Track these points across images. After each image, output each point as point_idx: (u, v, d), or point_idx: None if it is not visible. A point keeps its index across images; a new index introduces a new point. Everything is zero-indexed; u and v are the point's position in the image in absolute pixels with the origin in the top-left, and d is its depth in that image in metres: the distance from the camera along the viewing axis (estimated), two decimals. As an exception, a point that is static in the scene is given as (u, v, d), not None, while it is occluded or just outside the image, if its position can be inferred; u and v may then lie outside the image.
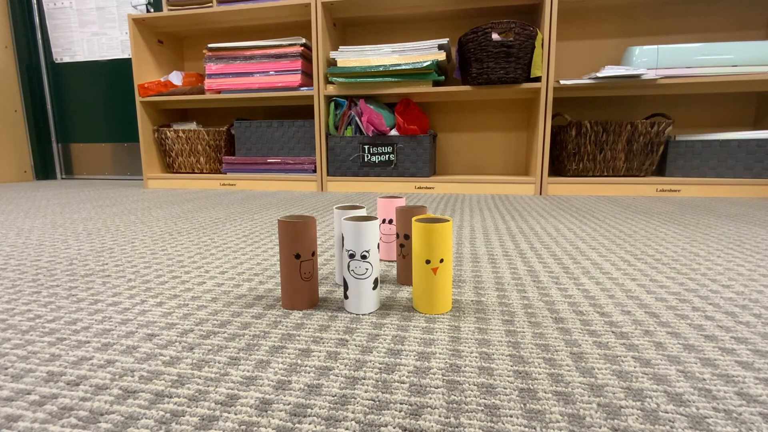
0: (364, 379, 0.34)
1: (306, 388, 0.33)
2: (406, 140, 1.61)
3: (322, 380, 0.34)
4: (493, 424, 0.28)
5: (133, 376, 0.35)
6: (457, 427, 0.28)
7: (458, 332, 0.42)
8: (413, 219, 0.48)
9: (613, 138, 1.49)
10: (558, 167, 1.64)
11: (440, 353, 0.38)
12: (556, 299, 0.51)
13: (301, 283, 0.48)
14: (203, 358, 0.38)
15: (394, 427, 0.28)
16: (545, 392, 0.32)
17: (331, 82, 1.65)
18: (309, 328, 0.43)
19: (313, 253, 0.48)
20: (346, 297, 0.48)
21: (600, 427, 0.28)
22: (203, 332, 0.43)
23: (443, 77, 1.56)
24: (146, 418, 0.29)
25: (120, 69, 2.32)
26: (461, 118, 1.86)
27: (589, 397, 0.31)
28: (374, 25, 1.87)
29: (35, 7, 2.36)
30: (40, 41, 2.38)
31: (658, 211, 1.15)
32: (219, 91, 1.77)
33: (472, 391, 0.32)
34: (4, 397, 0.32)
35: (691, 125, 1.69)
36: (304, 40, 1.65)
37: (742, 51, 1.38)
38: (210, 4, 1.75)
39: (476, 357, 0.37)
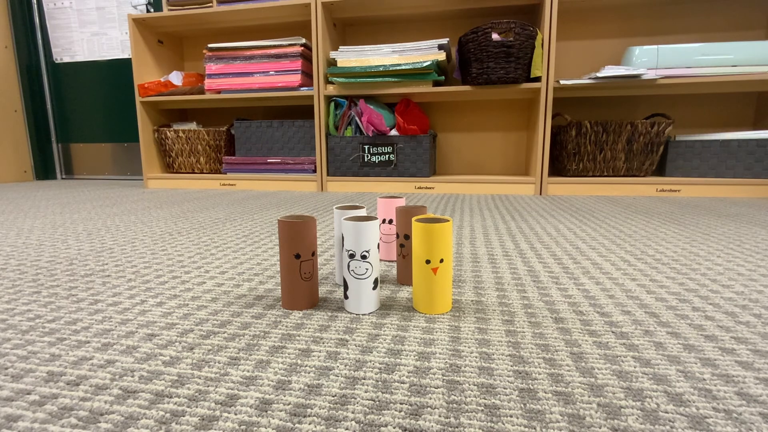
0: (364, 379, 0.34)
1: (306, 388, 0.33)
2: (406, 140, 1.61)
3: (322, 380, 0.34)
4: (493, 424, 0.28)
5: (133, 376, 0.35)
6: (457, 427, 0.28)
7: (458, 332, 0.42)
8: (413, 219, 0.48)
9: (613, 138, 1.49)
10: (558, 167, 1.64)
11: (440, 353, 0.38)
12: (556, 299, 0.51)
13: (301, 283, 0.48)
14: (203, 358, 0.38)
15: (394, 427, 0.28)
16: (545, 392, 0.32)
17: (331, 82, 1.65)
18: (309, 328, 0.43)
19: (313, 253, 0.48)
20: (346, 297, 0.48)
21: (600, 427, 0.28)
22: (203, 332, 0.43)
23: (443, 77, 1.56)
24: (146, 418, 0.29)
25: (120, 69, 2.32)
26: (461, 118, 1.86)
27: (589, 397, 0.31)
28: (374, 25, 1.87)
29: (35, 7, 2.36)
30: (40, 41, 2.38)
31: (658, 211, 1.15)
32: (219, 91, 1.77)
33: (472, 391, 0.32)
34: (4, 397, 0.32)
35: (691, 125, 1.69)
36: (304, 40, 1.65)
37: (742, 51, 1.38)
38: (210, 4, 1.75)
39: (476, 357, 0.37)
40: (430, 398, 0.31)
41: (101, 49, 2.31)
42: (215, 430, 0.28)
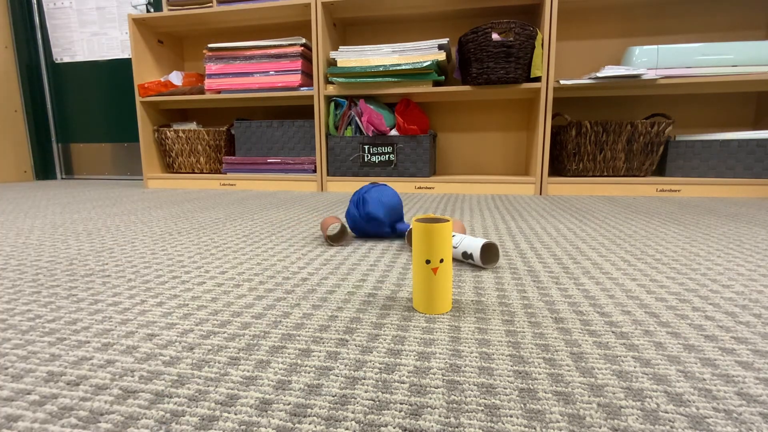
0: (364, 379, 0.34)
1: (306, 388, 0.33)
2: (406, 140, 1.61)
3: (322, 380, 0.34)
4: (493, 424, 0.28)
5: (133, 376, 0.35)
6: (457, 427, 0.28)
7: (458, 332, 0.42)
8: (413, 219, 0.48)
9: (613, 138, 1.49)
10: (558, 167, 1.64)
11: (440, 353, 0.38)
12: (556, 299, 0.51)
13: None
14: (203, 358, 0.37)
15: (394, 427, 0.28)
16: (545, 392, 0.32)
17: (331, 82, 1.65)
18: (309, 328, 0.43)
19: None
20: None
21: (600, 427, 0.28)
22: (203, 332, 0.43)
23: (443, 77, 1.55)
24: (146, 418, 0.29)
25: (120, 69, 2.32)
26: (461, 118, 1.86)
27: (589, 397, 0.31)
28: (374, 25, 1.87)
29: (35, 7, 2.36)
30: (40, 41, 2.38)
31: (658, 211, 1.15)
32: (219, 91, 1.77)
33: (472, 391, 0.32)
34: (4, 397, 0.32)
35: (691, 125, 1.69)
36: (304, 40, 1.65)
37: (742, 51, 1.38)
38: (210, 4, 1.75)
39: (476, 357, 0.37)
40: (430, 398, 0.31)
41: (101, 49, 2.31)
42: (215, 430, 0.28)
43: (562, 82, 1.46)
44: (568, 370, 0.35)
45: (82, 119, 2.42)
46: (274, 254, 0.73)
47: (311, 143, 1.75)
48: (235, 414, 0.30)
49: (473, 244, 0.63)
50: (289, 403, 0.31)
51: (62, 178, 2.51)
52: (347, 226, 0.83)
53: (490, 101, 1.83)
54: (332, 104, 1.68)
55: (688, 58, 1.41)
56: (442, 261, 0.46)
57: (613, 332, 0.42)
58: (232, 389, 0.33)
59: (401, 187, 1.65)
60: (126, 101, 2.34)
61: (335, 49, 1.76)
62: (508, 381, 0.33)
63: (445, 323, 0.44)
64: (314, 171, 1.74)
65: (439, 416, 0.29)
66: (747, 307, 0.48)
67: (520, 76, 1.47)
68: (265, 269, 0.64)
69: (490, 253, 0.66)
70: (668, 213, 1.12)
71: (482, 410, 0.30)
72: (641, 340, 0.40)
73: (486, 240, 0.63)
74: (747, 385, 0.33)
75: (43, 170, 2.47)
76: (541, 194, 1.54)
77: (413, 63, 1.50)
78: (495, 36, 1.42)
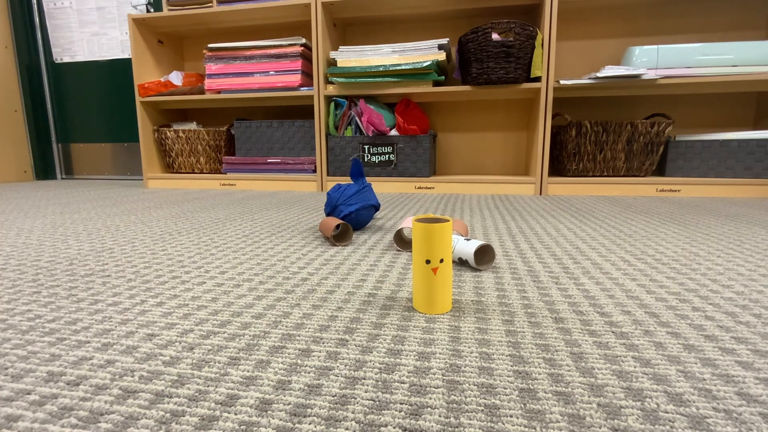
0: (364, 379, 0.34)
1: (306, 388, 0.33)
2: (406, 140, 1.61)
3: (322, 380, 0.34)
4: (493, 424, 0.28)
5: (133, 376, 0.35)
6: (457, 427, 0.28)
7: (458, 332, 0.42)
8: (413, 219, 0.48)
9: (613, 138, 1.49)
10: (558, 167, 1.64)
11: (440, 353, 0.38)
12: (556, 299, 0.51)
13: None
14: (203, 358, 0.38)
15: (394, 427, 0.28)
16: (545, 392, 0.32)
17: (331, 82, 1.65)
18: (309, 328, 0.43)
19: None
20: None
21: (600, 427, 0.28)
22: (203, 332, 0.43)
23: (443, 77, 1.55)
24: (146, 418, 0.29)
25: (120, 69, 2.32)
26: (461, 118, 1.86)
27: (589, 397, 0.31)
28: (374, 25, 1.87)
29: (35, 7, 2.36)
30: (40, 41, 2.38)
31: (658, 211, 1.15)
32: (219, 91, 1.77)
33: (472, 391, 0.32)
34: (4, 397, 0.32)
35: (691, 125, 1.69)
36: (304, 40, 1.65)
37: (742, 51, 1.38)
38: (210, 4, 1.75)
39: (476, 357, 0.37)
40: (430, 398, 0.31)
41: (101, 49, 2.31)
42: (215, 430, 0.28)
43: (562, 82, 1.46)
44: (568, 370, 0.35)
45: (82, 119, 2.42)
46: (274, 254, 0.73)
47: (311, 143, 1.75)
48: (235, 414, 0.30)
49: (466, 249, 0.62)
50: (289, 403, 0.31)
51: (62, 178, 2.51)
52: (350, 225, 0.84)
53: (490, 101, 1.83)
54: (332, 104, 1.68)
55: (688, 58, 1.41)
56: (442, 261, 0.46)
57: (613, 332, 0.42)
58: (232, 389, 0.33)
59: (401, 187, 1.65)
60: (126, 101, 2.34)
61: (335, 49, 1.76)
62: (508, 381, 0.33)
63: (445, 323, 0.44)
64: (314, 171, 1.74)
65: (439, 416, 0.29)
66: (747, 307, 0.48)
67: (520, 76, 1.47)
68: (265, 269, 0.64)
69: (485, 254, 0.66)
70: (668, 213, 1.12)
71: (482, 410, 0.30)
72: (641, 340, 0.40)
73: (479, 243, 0.62)
74: (747, 385, 0.33)
75: (43, 170, 2.47)
76: (541, 194, 1.54)
77: (413, 63, 1.50)
78: (495, 36, 1.42)
